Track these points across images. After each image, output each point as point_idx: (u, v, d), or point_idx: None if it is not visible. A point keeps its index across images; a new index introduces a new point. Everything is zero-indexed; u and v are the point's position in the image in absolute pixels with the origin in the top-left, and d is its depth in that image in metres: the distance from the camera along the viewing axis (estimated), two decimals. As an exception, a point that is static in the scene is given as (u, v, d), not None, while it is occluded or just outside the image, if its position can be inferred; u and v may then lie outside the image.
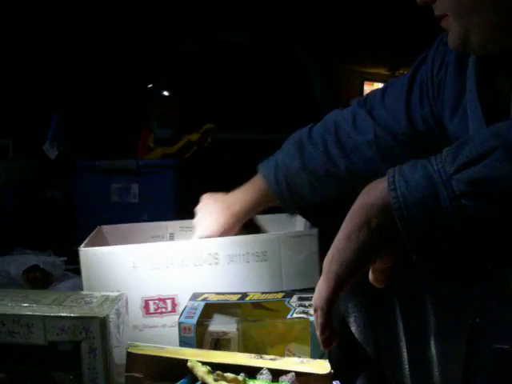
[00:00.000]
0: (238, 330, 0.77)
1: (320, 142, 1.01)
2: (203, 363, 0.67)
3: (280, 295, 0.86)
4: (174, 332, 0.80)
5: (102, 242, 1.08)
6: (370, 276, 0.63)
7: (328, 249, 0.60)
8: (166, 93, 2.59)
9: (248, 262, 0.92)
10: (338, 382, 0.74)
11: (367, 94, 1.03)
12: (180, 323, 0.78)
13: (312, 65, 2.78)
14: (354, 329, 0.79)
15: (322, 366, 0.69)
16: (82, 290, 0.90)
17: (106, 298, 0.79)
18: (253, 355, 0.72)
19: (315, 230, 0.94)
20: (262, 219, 1.13)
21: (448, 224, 0.53)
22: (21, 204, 2.28)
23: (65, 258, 1.46)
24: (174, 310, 0.91)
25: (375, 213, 0.56)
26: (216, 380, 0.65)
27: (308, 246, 0.92)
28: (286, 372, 0.67)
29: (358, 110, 1.00)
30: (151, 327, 0.91)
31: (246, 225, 1.08)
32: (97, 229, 1.09)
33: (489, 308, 0.73)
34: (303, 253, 0.92)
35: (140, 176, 2.12)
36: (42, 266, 1.34)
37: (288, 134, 1.08)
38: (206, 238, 1.01)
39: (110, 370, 0.73)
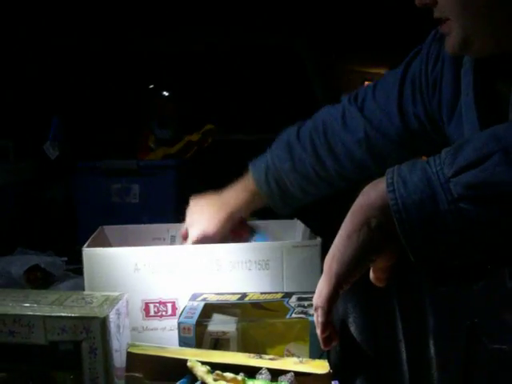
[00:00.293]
0: (237, 330, 0.78)
1: (308, 144, 0.99)
2: (203, 363, 0.68)
3: (279, 295, 0.86)
4: (174, 335, 0.80)
5: (104, 242, 1.09)
6: (371, 275, 0.63)
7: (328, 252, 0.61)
8: (166, 93, 2.60)
9: (250, 269, 0.92)
10: (336, 381, 0.74)
11: (358, 90, 0.99)
12: (179, 323, 0.78)
13: (313, 65, 2.78)
14: (353, 329, 0.79)
15: (321, 366, 0.69)
16: (83, 290, 0.91)
17: (107, 298, 0.79)
18: (252, 355, 0.72)
19: (318, 241, 0.94)
20: (265, 225, 1.13)
21: (446, 227, 0.53)
22: (21, 205, 2.28)
23: (65, 258, 1.46)
24: (174, 314, 0.91)
25: (375, 213, 0.56)
26: (215, 380, 0.65)
27: (311, 256, 0.92)
28: (285, 372, 0.68)
29: (348, 106, 0.97)
30: (151, 330, 0.92)
31: (240, 227, 1.08)
32: (99, 229, 1.10)
33: (487, 308, 0.73)
34: (305, 263, 0.92)
35: (140, 176, 2.13)
36: (42, 266, 1.34)
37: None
38: (200, 237, 1.01)
39: (110, 369, 0.74)
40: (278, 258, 0.93)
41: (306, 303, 0.82)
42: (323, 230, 0.97)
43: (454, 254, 0.56)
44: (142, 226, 1.19)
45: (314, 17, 2.63)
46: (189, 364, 0.68)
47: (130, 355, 0.71)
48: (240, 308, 0.83)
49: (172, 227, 1.16)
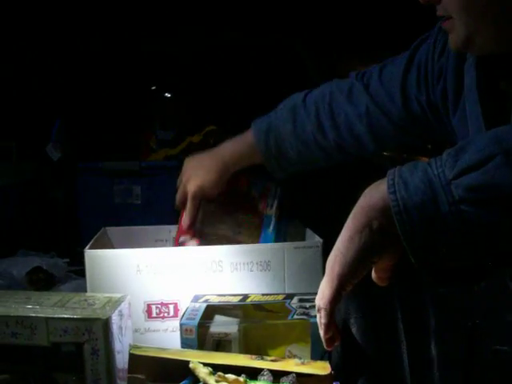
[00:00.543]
0: (239, 331, 0.78)
1: (313, 110, 1.00)
2: (205, 364, 0.68)
3: (281, 297, 0.86)
4: (176, 337, 0.80)
5: (107, 243, 1.09)
6: (373, 274, 0.63)
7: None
8: (168, 95, 2.60)
9: (252, 270, 0.92)
10: (338, 383, 0.74)
11: (366, 69, 1.00)
12: (181, 325, 0.78)
13: (313, 65, 2.78)
14: (354, 330, 0.80)
15: (323, 367, 0.69)
16: (85, 291, 0.91)
17: (109, 300, 0.79)
18: (254, 356, 0.72)
19: (319, 242, 0.94)
20: None
21: (447, 229, 0.53)
22: (24, 206, 2.29)
23: (68, 260, 1.46)
24: (176, 315, 0.91)
25: (376, 214, 0.56)
26: (217, 381, 0.66)
27: (312, 257, 0.92)
28: (286, 373, 0.68)
29: (355, 82, 0.98)
30: (153, 331, 0.92)
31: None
32: (101, 230, 1.10)
33: (488, 309, 0.73)
34: (307, 264, 0.92)
35: (142, 178, 2.13)
36: (44, 268, 1.34)
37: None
38: (198, 191, 1.02)
39: (112, 371, 0.74)
40: (280, 259, 0.93)
41: (307, 304, 0.82)
42: (324, 231, 0.97)
43: (455, 256, 0.56)
44: (144, 227, 1.19)
45: (314, 17, 2.63)
46: (191, 365, 0.68)
47: (132, 357, 0.72)
48: (242, 309, 0.83)
49: (174, 229, 1.16)
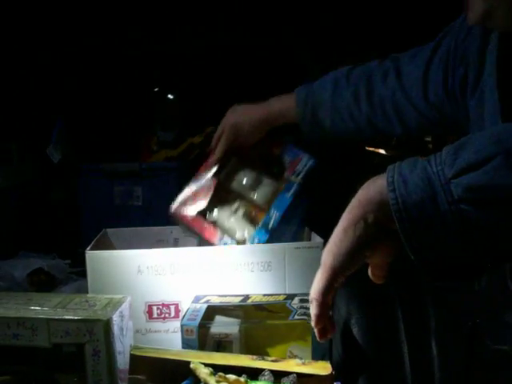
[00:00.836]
0: (239, 331, 0.78)
1: (353, 84, 1.03)
2: (205, 365, 0.68)
3: (281, 297, 0.86)
4: (177, 337, 0.80)
5: (108, 245, 1.09)
6: (369, 271, 0.63)
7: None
8: (169, 96, 2.60)
9: (252, 271, 0.93)
10: (339, 383, 0.74)
11: (401, 54, 1.04)
12: (182, 325, 0.78)
13: (313, 65, 2.78)
14: (355, 330, 0.80)
15: (324, 368, 0.69)
16: (86, 292, 0.91)
17: (110, 301, 0.80)
18: (255, 357, 0.72)
19: (320, 242, 0.94)
20: None
21: (446, 227, 0.53)
22: (25, 207, 2.29)
23: (69, 261, 1.47)
24: (177, 316, 0.91)
25: (372, 208, 0.56)
26: (218, 381, 0.66)
27: (313, 257, 0.92)
28: (287, 373, 0.68)
29: (390, 64, 1.02)
30: (154, 332, 0.92)
31: None
32: (102, 232, 1.10)
33: (488, 309, 0.74)
34: (308, 264, 0.92)
35: (143, 179, 2.13)
36: (46, 269, 1.35)
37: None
38: (238, 123, 1.06)
39: (113, 371, 0.74)
40: (281, 260, 0.93)
41: (308, 305, 0.82)
42: (325, 231, 0.97)
43: (454, 254, 0.56)
44: (145, 228, 1.19)
45: (314, 17, 2.64)
46: (192, 366, 0.68)
47: (133, 357, 0.72)
48: (242, 310, 0.83)
49: (175, 229, 1.16)
